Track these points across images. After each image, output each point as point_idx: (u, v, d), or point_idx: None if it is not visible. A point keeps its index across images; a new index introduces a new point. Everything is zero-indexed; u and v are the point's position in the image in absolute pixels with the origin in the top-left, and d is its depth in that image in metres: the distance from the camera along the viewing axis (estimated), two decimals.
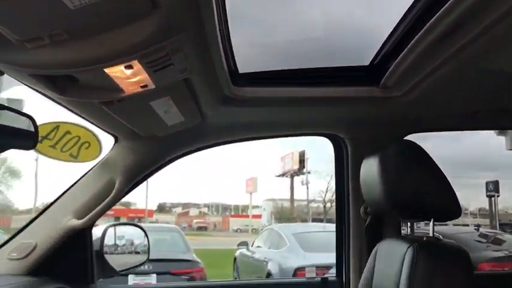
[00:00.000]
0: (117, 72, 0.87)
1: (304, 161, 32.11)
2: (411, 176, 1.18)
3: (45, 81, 0.91)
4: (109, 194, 1.53)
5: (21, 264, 1.53)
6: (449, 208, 1.18)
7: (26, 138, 0.96)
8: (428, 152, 1.19)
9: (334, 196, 1.77)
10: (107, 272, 1.75)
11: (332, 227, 1.79)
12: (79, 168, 1.72)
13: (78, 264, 1.64)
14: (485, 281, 1.52)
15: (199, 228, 39.45)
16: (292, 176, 34.38)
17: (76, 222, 1.52)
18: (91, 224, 1.59)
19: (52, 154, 1.40)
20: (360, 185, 1.37)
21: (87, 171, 1.56)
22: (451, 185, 1.16)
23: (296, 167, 32.46)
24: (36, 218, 1.58)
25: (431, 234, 1.21)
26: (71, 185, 1.57)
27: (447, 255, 1.14)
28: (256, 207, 43.94)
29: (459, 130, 1.74)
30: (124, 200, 1.62)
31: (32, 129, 0.94)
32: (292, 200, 35.48)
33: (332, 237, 1.75)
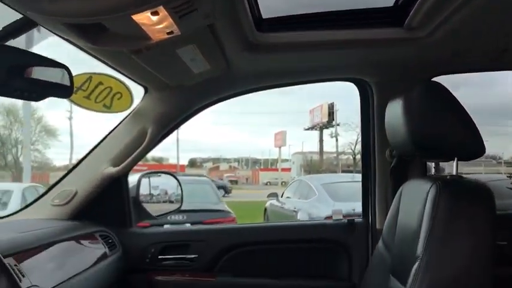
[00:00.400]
0: (144, 19, 0.91)
1: (333, 113, 31.87)
2: (435, 117, 1.19)
3: (77, 31, 0.95)
4: (142, 143, 1.60)
5: (64, 209, 1.64)
6: (473, 147, 1.18)
7: (62, 87, 1.01)
8: (459, 99, 1.19)
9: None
10: (143, 216, 1.86)
11: (360, 176, 1.82)
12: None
13: (117, 209, 1.75)
14: (507, 221, 1.54)
15: (230, 182, 40.25)
16: (321, 129, 34.28)
17: (112, 170, 1.61)
18: (126, 172, 1.68)
19: (86, 105, 1.46)
20: (385, 129, 1.39)
21: (120, 122, 1.63)
22: (482, 133, 1.16)
23: (325, 119, 32.27)
24: (75, 166, 1.67)
25: (454, 173, 1.23)
26: (105, 135, 1.65)
27: (470, 192, 1.16)
28: (286, 160, 44.26)
29: (486, 71, 1.70)
30: (157, 155, 1.70)
31: (68, 78, 0.99)
32: (321, 152, 35.52)
33: (360, 187, 1.79)
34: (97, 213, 1.67)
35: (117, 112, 1.54)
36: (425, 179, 1.26)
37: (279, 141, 39.81)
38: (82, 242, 1.47)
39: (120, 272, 1.63)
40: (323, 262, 1.73)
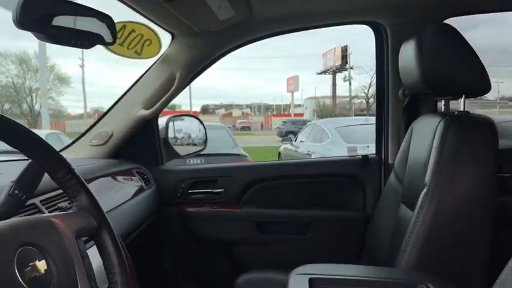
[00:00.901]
0: None
1: (346, 56, 31.35)
2: (445, 57, 1.28)
3: None
4: (171, 87, 1.72)
5: (102, 149, 1.79)
6: (479, 84, 1.28)
7: (106, 35, 1.12)
8: (477, 39, 1.27)
9: (375, 105, 1.88)
10: (172, 156, 2.01)
11: (373, 119, 1.92)
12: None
13: (149, 149, 1.89)
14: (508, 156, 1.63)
15: (243, 128, 40.51)
16: (334, 73, 33.87)
17: (144, 112, 1.74)
18: (157, 114, 1.81)
19: (120, 51, 1.57)
20: (399, 69, 1.48)
21: (150, 67, 1.74)
22: (498, 74, 1.25)
23: (338, 63, 31.81)
24: (109, 110, 1.80)
25: (461, 109, 1.34)
26: (136, 80, 1.76)
27: (475, 126, 1.27)
28: (298, 106, 44.16)
29: (502, 11, 1.74)
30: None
31: (111, 27, 1.09)
32: (334, 96, 35.31)
33: (374, 130, 1.89)
34: (131, 153, 1.82)
35: (146, 58, 1.64)
36: (435, 115, 1.37)
37: (291, 86, 39.54)
38: (121, 177, 1.63)
39: (156, 205, 1.80)
40: (339, 195, 1.89)
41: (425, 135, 1.35)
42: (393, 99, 1.77)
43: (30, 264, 0.60)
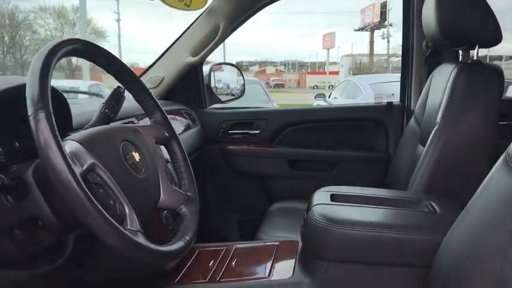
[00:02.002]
0: None
1: (385, 12, 30.35)
2: (461, 10, 1.43)
3: None
4: (215, 36, 1.93)
5: (154, 91, 2.03)
6: (492, 36, 1.43)
7: None
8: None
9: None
10: (214, 100, 2.25)
11: None
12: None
13: (194, 93, 2.13)
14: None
15: (276, 86, 40.37)
16: (372, 30, 32.97)
17: (192, 59, 1.96)
18: (203, 61, 2.03)
19: (172, 3, 1.76)
20: (422, 23, 1.64)
21: (197, 18, 1.95)
22: None
23: (377, 19, 30.89)
24: (160, 57, 2.03)
25: (475, 58, 1.50)
26: (185, 30, 1.98)
27: (485, 71, 1.43)
28: (334, 63, 43.40)
29: None
30: None
31: None
32: (371, 54, 34.52)
33: None
34: (180, 96, 2.06)
35: (194, 9, 1.84)
36: (452, 64, 1.53)
37: (327, 43, 38.75)
38: (172, 115, 1.88)
39: (201, 141, 2.05)
40: (364, 137, 2.09)
41: (441, 81, 1.52)
42: (417, 50, 1.92)
43: (129, 153, 0.85)
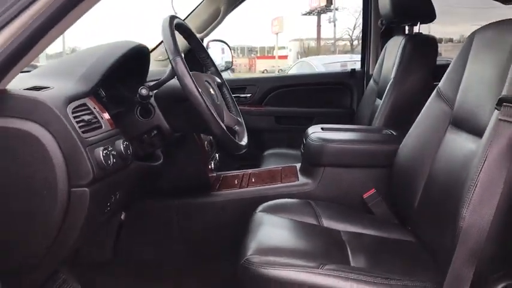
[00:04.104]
0: None
1: None
2: None
3: None
4: (216, 18, 2.40)
5: (165, 63, 2.48)
6: (429, 14, 2.01)
7: None
8: None
9: (361, 33, 2.58)
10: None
11: (357, 57, 2.64)
12: None
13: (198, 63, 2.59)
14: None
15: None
16: (319, 14, 33.80)
17: (198, 35, 2.40)
18: (205, 37, 2.50)
19: None
20: (378, 4, 2.20)
21: (201, 2, 2.41)
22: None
23: (324, 3, 31.73)
24: None
25: (417, 31, 2.09)
26: (191, 11, 2.43)
27: (424, 40, 2.02)
28: (282, 48, 44.09)
29: None
30: None
31: None
32: (318, 38, 35.42)
33: (357, 67, 2.58)
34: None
35: None
36: (400, 36, 2.11)
37: (276, 27, 39.23)
38: None
39: None
40: (334, 97, 2.65)
41: (393, 49, 2.10)
42: (375, 27, 2.50)
43: (209, 89, 1.34)
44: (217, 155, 1.88)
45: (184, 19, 2.41)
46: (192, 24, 2.41)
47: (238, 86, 2.65)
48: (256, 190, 1.69)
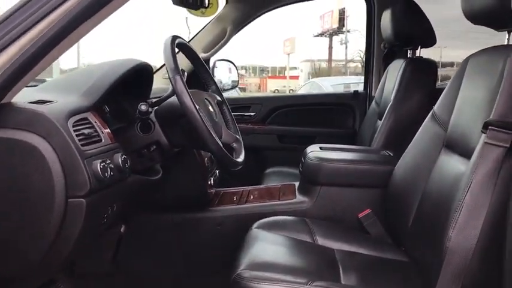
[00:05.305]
0: None
1: (344, 19, 31.51)
2: (407, 21, 2.04)
3: None
4: (223, 37, 2.47)
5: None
6: (429, 39, 2.05)
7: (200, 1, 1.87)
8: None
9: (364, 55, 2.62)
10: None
11: None
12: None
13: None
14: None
15: (239, 89, 40.99)
16: (331, 35, 34.08)
17: (204, 54, 2.48)
18: (211, 56, 2.56)
19: (193, 12, 2.30)
20: (381, 28, 2.25)
21: (208, 22, 2.48)
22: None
23: (335, 25, 32.00)
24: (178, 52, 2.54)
25: (418, 55, 2.13)
26: (198, 31, 2.50)
27: (424, 64, 2.06)
28: (294, 68, 44.43)
29: None
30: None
31: None
32: (330, 60, 35.65)
33: None
34: (193, 84, 2.56)
35: (208, 16, 2.38)
36: (401, 59, 2.15)
37: (288, 48, 39.58)
38: None
39: None
40: (336, 118, 2.69)
41: (394, 72, 2.14)
42: (377, 50, 2.54)
43: (208, 106, 1.38)
44: (217, 171, 1.92)
45: (191, 39, 2.50)
46: (199, 44, 2.48)
47: (243, 104, 2.70)
48: (253, 207, 1.71)
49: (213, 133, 1.26)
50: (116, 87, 1.25)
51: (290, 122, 2.67)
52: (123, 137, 1.27)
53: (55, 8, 0.90)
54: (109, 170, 1.06)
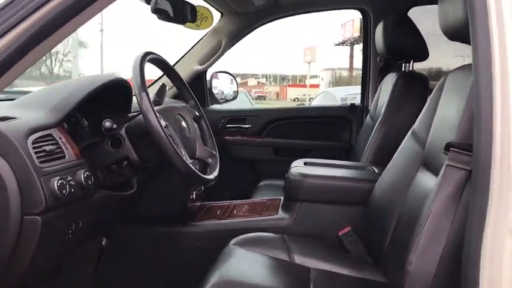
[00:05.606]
0: None
1: None
2: (400, 35, 2.02)
3: None
4: (218, 50, 2.47)
5: (168, 92, 2.55)
6: (421, 53, 2.02)
7: (186, 16, 1.88)
8: None
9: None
10: (214, 101, 2.79)
11: None
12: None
13: (200, 93, 2.66)
14: None
15: (258, 98, 41.04)
16: (352, 44, 33.92)
17: (199, 67, 2.50)
18: (207, 69, 2.57)
19: (187, 26, 2.31)
20: (376, 43, 2.22)
21: (204, 35, 2.49)
22: None
23: (357, 34, 31.78)
24: (175, 64, 2.56)
25: (411, 69, 2.09)
26: (194, 44, 2.52)
27: (415, 78, 2.02)
28: (314, 77, 44.40)
29: None
30: None
31: (191, 10, 1.84)
32: (351, 68, 35.45)
33: None
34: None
35: (203, 29, 2.38)
36: (394, 73, 2.12)
37: (308, 57, 39.58)
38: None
39: None
40: (332, 131, 2.66)
41: (387, 86, 2.11)
42: (373, 63, 2.51)
43: (181, 121, 1.38)
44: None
45: (187, 52, 2.51)
46: (194, 57, 2.50)
47: (239, 116, 2.70)
48: (233, 223, 1.71)
49: (180, 150, 1.25)
50: (87, 103, 1.26)
51: (286, 134, 2.65)
52: (94, 153, 1.28)
53: (39, 7, 0.92)
54: (68, 187, 1.06)
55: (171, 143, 1.20)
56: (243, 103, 7.28)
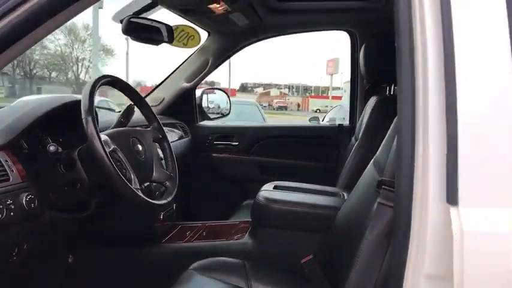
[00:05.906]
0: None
1: None
2: (380, 60, 1.99)
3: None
4: (205, 68, 2.49)
5: (156, 109, 2.58)
6: None
7: (166, 36, 1.90)
8: None
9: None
10: (204, 117, 2.80)
11: None
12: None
13: (188, 111, 2.68)
14: None
15: (280, 108, 41.16)
16: None
17: (187, 85, 2.52)
18: (195, 86, 2.59)
19: (174, 44, 2.34)
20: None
21: (192, 54, 2.52)
22: None
23: None
24: (162, 82, 2.59)
25: (392, 93, 2.06)
26: (182, 62, 2.54)
27: (392, 104, 1.98)
28: (337, 88, 44.25)
29: None
30: (209, 79, 2.57)
31: (169, 31, 1.86)
32: None
33: None
34: (176, 113, 2.60)
35: (190, 47, 2.41)
36: (376, 96, 2.09)
37: (331, 69, 39.50)
38: (169, 127, 2.42)
39: (191, 150, 2.59)
40: (319, 151, 2.63)
41: (369, 109, 2.08)
42: (360, 85, 2.48)
43: (136, 145, 1.39)
44: (174, 205, 1.92)
45: (175, 70, 2.54)
46: (182, 74, 2.52)
47: (226, 133, 2.70)
48: (198, 246, 1.70)
49: (129, 176, 1.26)
50: (41, 124, 1.28)
51: (273, 153, 2.64)
52: (46, 174, 1.30)
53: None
54: (5, 210, 1.08)
55: (115, 169, 1.20)
56: (253, 116, 7.31)
